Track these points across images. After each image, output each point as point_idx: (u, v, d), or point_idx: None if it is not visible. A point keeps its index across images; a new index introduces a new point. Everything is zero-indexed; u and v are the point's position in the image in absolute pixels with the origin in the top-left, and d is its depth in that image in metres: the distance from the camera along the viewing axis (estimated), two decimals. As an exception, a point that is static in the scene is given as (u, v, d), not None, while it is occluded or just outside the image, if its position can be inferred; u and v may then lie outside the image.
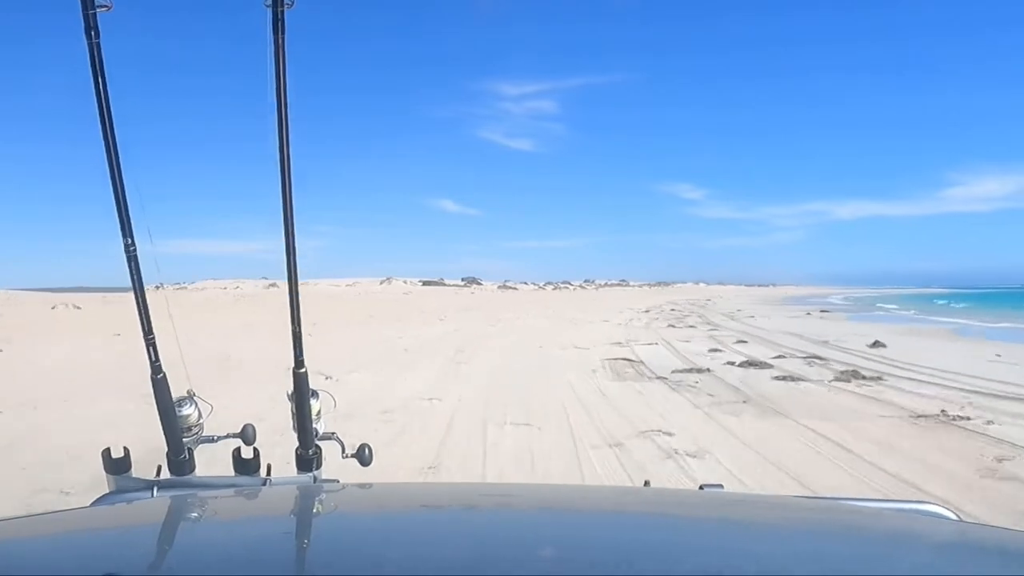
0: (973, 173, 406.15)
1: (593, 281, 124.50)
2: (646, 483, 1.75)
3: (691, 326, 23.24)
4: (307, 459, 1.46)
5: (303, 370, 1.44)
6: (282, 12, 1.28)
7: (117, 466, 1.39)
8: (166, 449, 1.41)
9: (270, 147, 1.36)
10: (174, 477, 1.42)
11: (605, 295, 75.98)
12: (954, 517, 1.30)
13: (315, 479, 1.46)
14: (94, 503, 1.31)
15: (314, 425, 1.45)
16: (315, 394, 1.46)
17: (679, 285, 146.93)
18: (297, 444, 1.47)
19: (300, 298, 1.43)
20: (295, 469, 1.47)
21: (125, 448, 1.39)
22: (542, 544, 0.99)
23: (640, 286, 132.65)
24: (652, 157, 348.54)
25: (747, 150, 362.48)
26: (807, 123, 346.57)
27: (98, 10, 1.22)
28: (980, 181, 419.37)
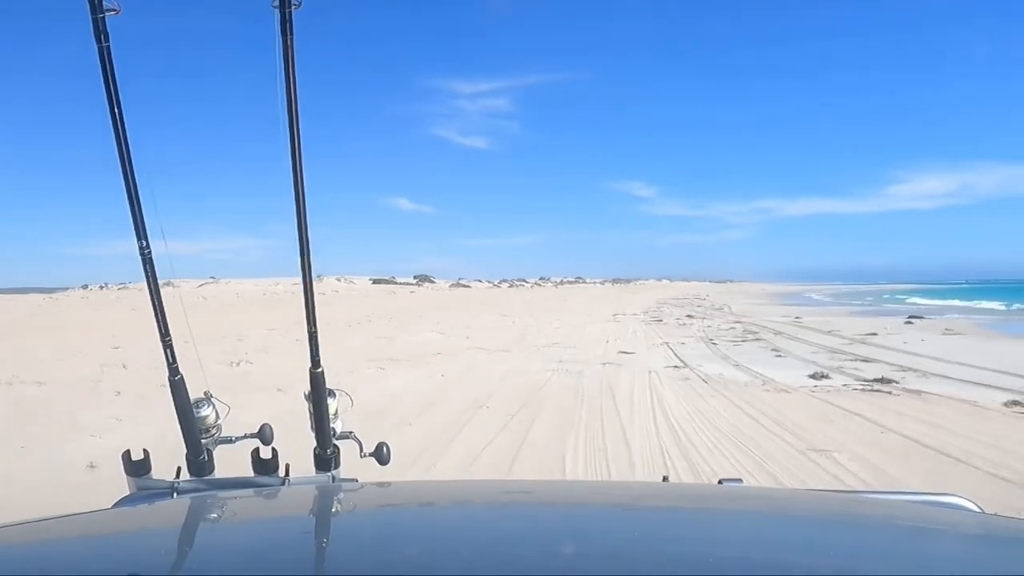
0: (917, 171, 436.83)
1: (549, 279, 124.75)
2: (664, 478, 1.83)
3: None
4: (325, 459, 1.52)
5: (320, 370, 1.50)
6: (290, 13, 1.33)
7: (137, 468, 1.44)
8: (185, 451, 1.46)
9: (280, 148, 1.40)
10: (194, 478, 1.47)
11: (567, 293, 71.40)
12: (976, 509, 1.31)
13: (333, 478, 1.51)
14: (115, 505, 1.37)
15: (331, 425, 1.52)
16: (332, 393, 1.52)
17: (641, 282, 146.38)
18: (315, 444, 1.52)
19: (315, 299, 1.48)
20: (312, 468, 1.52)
21: (145, 450, 1.45)
22: (562, 541, 1.01)
23: (602, 282, 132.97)
24: (605, 155, 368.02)
25: (698, 148, 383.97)
26: (756, 122, 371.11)
27: (107, 14, 1.26)
28: (923, 179, 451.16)
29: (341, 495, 1.38)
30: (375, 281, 75.19)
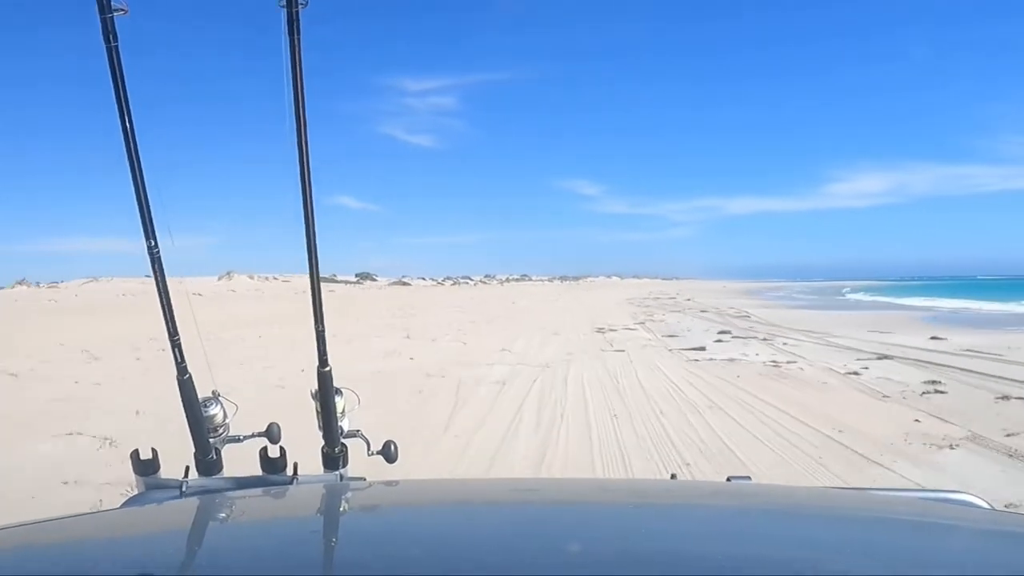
0: (853, 170, 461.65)
1: (494, 276, 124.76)
2: (673, 476, 1.88)
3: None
4: (333, 457, 1.55)
5: (327, 368, 1.53)
6: (297, 12, 1.35)
7: (146, 467, 1.47)
8: (193, 450, 1.49)
9: (287, 148, 1.43)
10: (202, 477, 1.50)
11: (514, 292, 65.23)
12: (986, 506, 1.33)
13: (341, 477, 1.54)
14: (124, 504, 1.40)
15: (339, 423, 1.55)
16: (339, 392, 1.56)
17: (590, 279, 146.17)
18: (323, 443, 1.55)
19: (323, 298, 1.52)
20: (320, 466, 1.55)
21: (153, 449, 1.47)
22: (571, 540, 1.02)
23: (550, 280, 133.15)
24: (550, 154, 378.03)
25: (642, 147, 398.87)
26: (699, 122, 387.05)
27: (115, 14, 1.28)
28: (860, 178, 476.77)
29: (350, 494, 1.42)
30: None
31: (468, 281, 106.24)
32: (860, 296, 53.00)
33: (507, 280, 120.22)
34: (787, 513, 1.27)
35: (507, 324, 23.42)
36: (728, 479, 1.54)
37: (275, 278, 66.82)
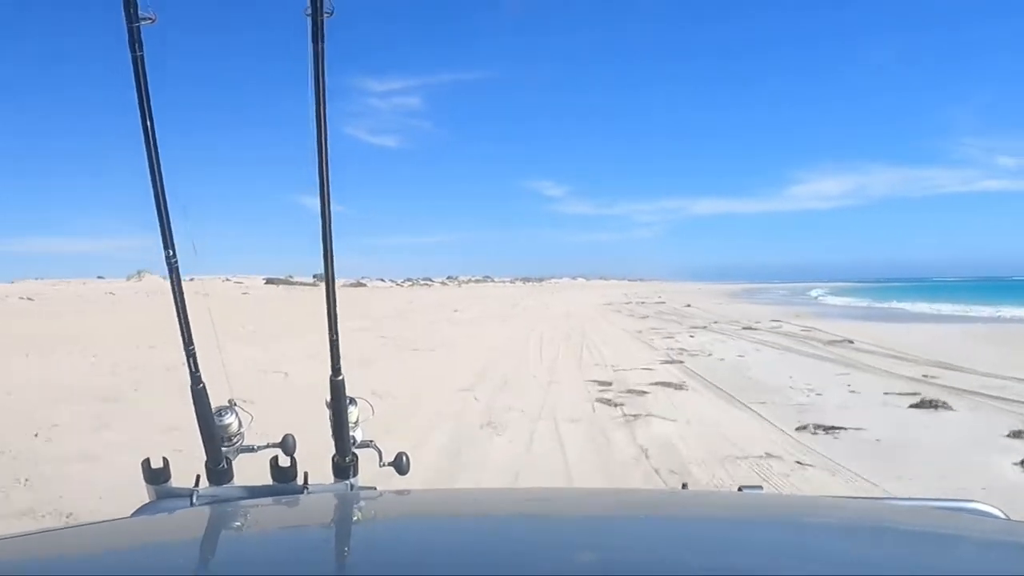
0: (815, 172, 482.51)
1: (456, 278, 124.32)
2: (684, 485, 1.92)
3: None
4: (344, 467, 1.56)
5: (340, 377, 1.56)
6: (322, 21, 1.39)
7: (156, 476, 1.48)
8: (205, 458, 1.51)
9: (308, 154, 1.47)
10: (212, 487, 1.51)
11: (472, 295, 61.40)
12: (1002, 515, 1.33)
13: (351, 487, 1.55)
14: (134, 513, 1.40)
15: (352, 433, 1.57)
16: (353, 401, 1.58)
17: (555, 281, 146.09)
18: (334, 452, 1.57)
19: (337, 306, 1.56)
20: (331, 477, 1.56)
21: (164, 458, 1.48)
22: (584, 549, 1.04)
23: (512, 281, 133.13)
24: (515, 155, 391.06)
25: (606, 148, 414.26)
26: (663, 123, 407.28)
27: (142, 23, 1.30)
28: (821, 180, 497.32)
29: (361, 504, 1.44)
30: (268, 281, 73.23)
31: (429, 282, 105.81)
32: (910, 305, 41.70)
33: (468, 282, 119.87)
34: (800, 524, 1.28)
35: (419, 363, 13.12)
36: (740, 488, 1.57)
37: (240, 280, 63.66)
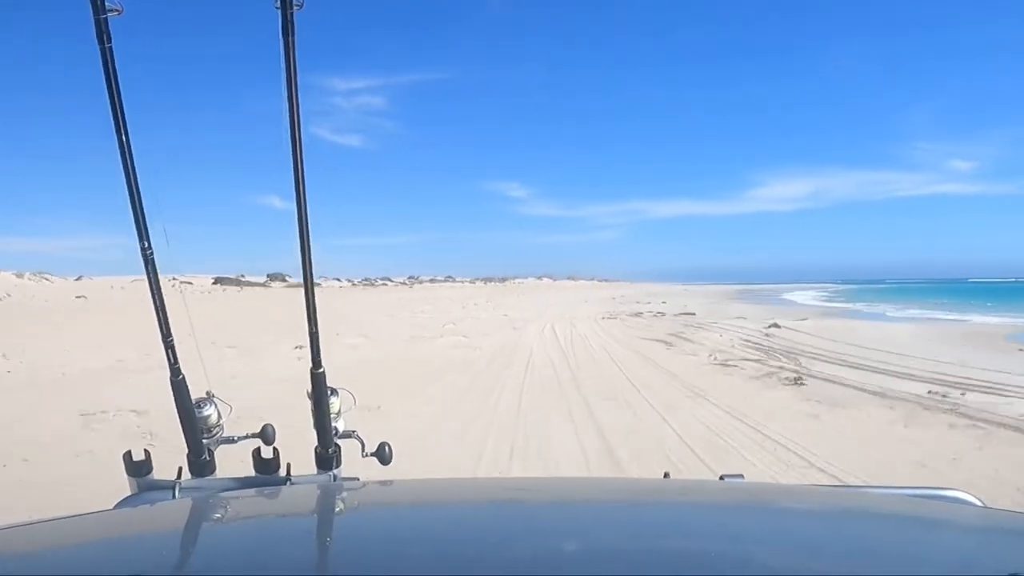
0: (776, 175, 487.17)
1: (418, 278, 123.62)
2: (666, 475, 1.97)
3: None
4: (327, 458, 1.62)
5: (321, 370, 1.62)
6: (291, 14, 1.43)
7: (138, 468, 1.52)
8: (186, 451, 1.56)
9: (283, 153, 1.52)
10: (195, 478, 1.56)
11: (419, 297, 55.06)
12: (978, 503, 1.38)
13: (334, 477, 1.61)
14: (116, 506, 1.44)
15: (334, 424, 1.63)
16: (335, 392, 1.64)
17: (519, 281, 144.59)
18: (316, 443, 1.63)
19: (316, 300, 1.62)
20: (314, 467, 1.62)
21: (146, 450, 1.53)
22: (565, 539, 1.06)
23: (472, 281, 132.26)
24: (480, 155, 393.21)
25: (570, 150, 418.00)
26: (626, 125, 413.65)
27: (109, 15, 1.35)
28: (781, 183, 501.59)
29: (344, 494, 1.48)
30: (217, 280, 72.18)
31: (388, 282, 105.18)
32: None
33: (430, 281, 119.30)
34: (780, 511, 1.34)
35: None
36: (721, 477, 1.62)
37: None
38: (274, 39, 1.46)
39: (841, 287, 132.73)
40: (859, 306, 49.18)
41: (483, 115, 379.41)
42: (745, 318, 29.89)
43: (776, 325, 24.65)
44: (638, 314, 35.28)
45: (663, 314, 35.04)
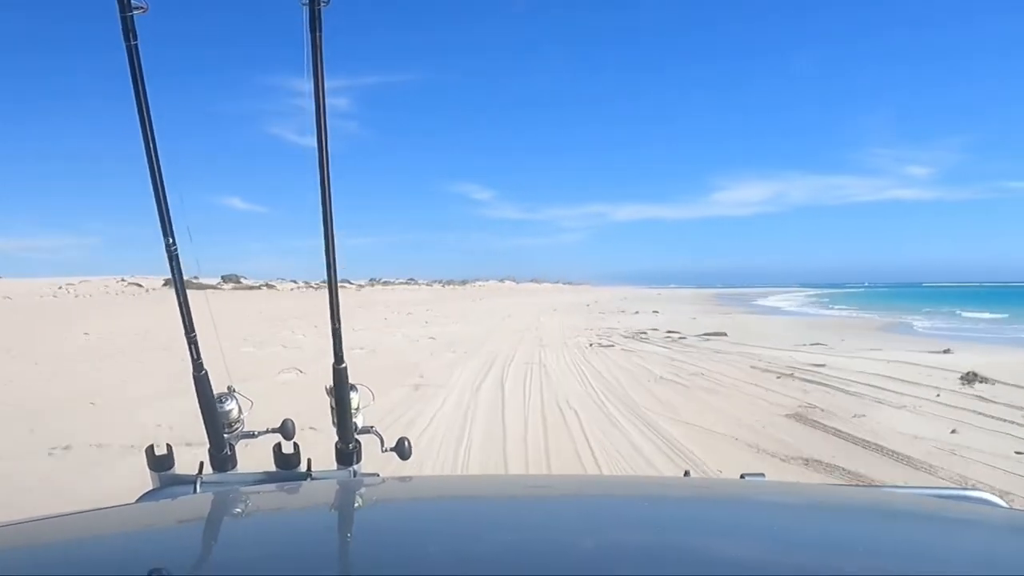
0: (736, 179, 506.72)
1: (379, 280, 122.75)
2: (686, 473, 2.01)
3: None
4: (347, 453, 1.66)
5: (343, 365, 1.65)
6: (319, 10, 1.46)
7: (161, 463, 1.55)
8: (208, 445, 1.59)
9: (307, 148, 1.55)
10: (216, 473, 1.59)
11: (367, 300, 46.26)
12: (1004, 504, 1.40)
13: (354, 473, 1.64)
14: (139, 499, 1.47)
15: (353, 419, 1.66)
16: (354, 388, 1.67)
17: (480, 283, 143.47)
18: (336, 439, 1.66)
19: (340, 297, 1.65)
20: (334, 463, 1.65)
21: (168, 445, 1.56)
22: (586, 536, 1.08)
23: (428, 284, 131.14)
24: (443, 157, 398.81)
25: (532, 153, 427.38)
26: (587, 128, 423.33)
27: (134, 12, 1.38)
28: (742, 187, 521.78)
29: (364, 490, 1.50)
30: (168, 282, 70.89)
31: (347, 285, 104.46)
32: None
33: (390, 283, 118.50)
34: (802, 511, 1.34)
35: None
36: (742, 476, 1.63)
37: (138, 281, 55.96)
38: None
39: (822, 291, 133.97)
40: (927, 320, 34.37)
41: (447, 117, 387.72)
42: (826, 345, 18.26)
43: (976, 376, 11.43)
44: (640, 335, 22.10)
45: (677, 333, 21.87)
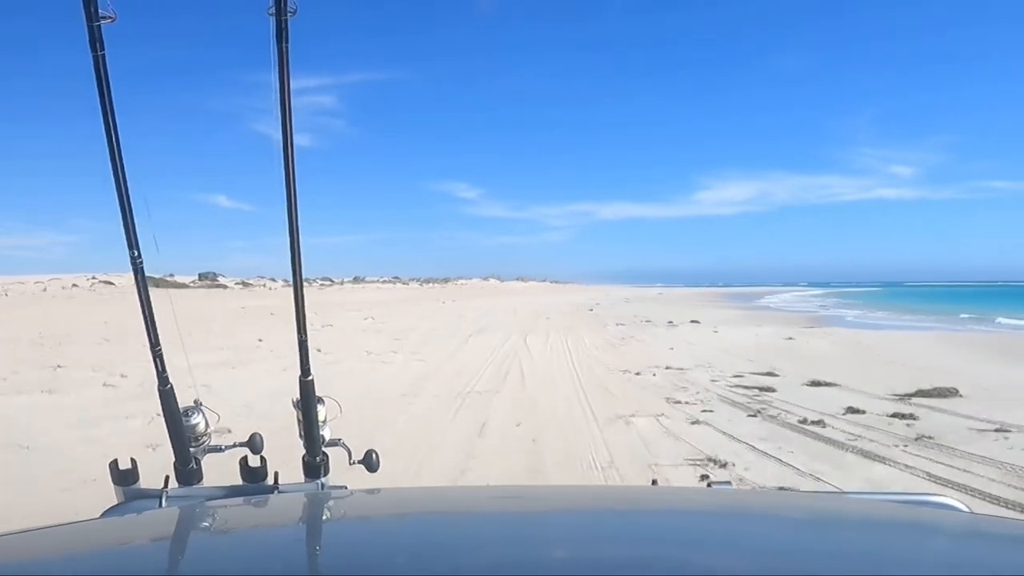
0: (720, 179, 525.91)
1: (363, 278, 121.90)
2: (653, 482, 2.05)
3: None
4: (314, 466, 1.67)
5: (310, 378, 1.66)
6: (285, 21, 1.47)
7: (125, 477, 1.56)
8: (173, 460, 1.60)
9: (274, 156, 1.56)
10: (182, 487, 1.60)
11: (334, 300, 45.30)
12: (966, 509, 1.42)
13: (322, 486, 1.65)
14: (103, 515, 1.47)
15: (321, 432, 1.68)
16: (321, 400, 1.68)
17: (463, 281, 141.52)
18: (304, 452, 1.67)
19: (306, 307, 1.65)
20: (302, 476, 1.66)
21: (132, 459, 1.57)
22: (553, 547, 1.10)
23: (405, 283, 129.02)
24: (430, 156, 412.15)
25: (519, 151, 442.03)
26: (573, 127, 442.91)
27: (102, 22, 1.38)
28: (725, 186, 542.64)
29: (331, 502, 1.51)
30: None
31: (329, 283, 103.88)
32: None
33: (375, 281, 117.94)
34: (766, 518, 1.37)
35: None
36: (708, 484, 1.67)
37: (110, 280, 56.45)
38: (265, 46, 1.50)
39: (827, 291, 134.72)
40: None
41: (434, 116, 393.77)
42: None
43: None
44: (811, 422, 9.15)
45: (859, 412, 9.65)
